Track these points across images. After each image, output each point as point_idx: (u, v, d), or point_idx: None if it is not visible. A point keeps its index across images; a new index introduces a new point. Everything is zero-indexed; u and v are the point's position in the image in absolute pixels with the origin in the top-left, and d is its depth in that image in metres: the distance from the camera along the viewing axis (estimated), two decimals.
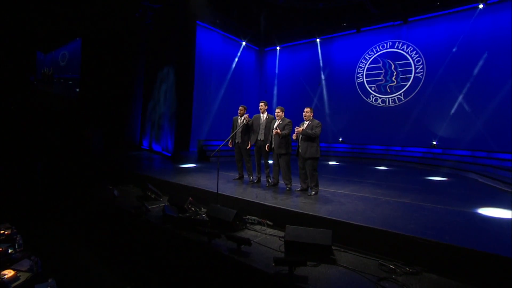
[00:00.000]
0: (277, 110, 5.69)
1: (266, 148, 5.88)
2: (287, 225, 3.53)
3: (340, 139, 13.10)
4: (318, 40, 13.61)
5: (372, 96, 12.29)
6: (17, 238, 4.10)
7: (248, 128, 6.25)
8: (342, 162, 11.65)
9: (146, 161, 10.05)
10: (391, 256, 3.27)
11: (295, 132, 5.28)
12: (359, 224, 3.60)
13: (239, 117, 6.36)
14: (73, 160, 9.33)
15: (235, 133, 6.21)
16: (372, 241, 3.44)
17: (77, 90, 13.03)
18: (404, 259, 3.19)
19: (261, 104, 6.16)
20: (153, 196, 5.66)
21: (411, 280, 2.88)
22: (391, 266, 3.10)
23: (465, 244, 3.02)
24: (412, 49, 11.30)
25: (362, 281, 2.86)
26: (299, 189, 5.54)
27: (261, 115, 6.13)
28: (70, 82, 13.64)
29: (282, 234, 4.03)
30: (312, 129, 5.20)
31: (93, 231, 5.00)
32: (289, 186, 5.67)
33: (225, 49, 13.08)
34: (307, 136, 5.18)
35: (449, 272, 2.96)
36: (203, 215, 4.52)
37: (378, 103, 12.14)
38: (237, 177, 6.70)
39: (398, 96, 11.61)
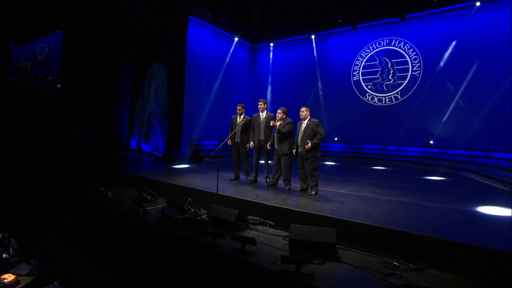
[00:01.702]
0: (278, 111, 5.89)
1: (268, 147, 6.07)
2: (291, 224, 3.72)
3: (336, 139, 13.40)
4: (313, 36, 13.86)
5: (368, 95, 12.61)
6: (12, 242, 4.17)
7: (248, 127, 6.44)
8: (338, 162, 11.93)
9: (135, 161, 10.11)
10: (394, 253, 3.49)
11: (305, 147, 5.44)
12: (362, 222, 3.81)
13: (238, 116, 6.54)
14: (58, 161, 9.30)
15: (235, 132, 6.38)
16: (375, 238, 3.66)
17: (58, 86, 12.89)
18: (407, 255, 3.42)
19: (260, 103, 6.35)
20: (149, 197, 5.77)
21: (415, 276, 3.09)
22: (394, 262, 3.32)
23: (465, 240, 3.26)
24: (409, 46, 11.66)
25: (367, 277, 3.06)
26: (298, 189, 5.74)
27: (261, 114, 6.32)
28: (50, 78, 13.44)
29: (284, 234, 4.23)
30: (315, 134, 5.41)
31: (89, 234, 5.08)
32: (288, 186, 5.87)
33: (217, 45, 13.20)
34: (316, 144, 5.40)
35: (451, 268, 3.19)
36: (204, 216, 4.67)
37: (375, 102, 12.47)
38: (232, 177, 6.86)
39: (395, 94, 11.96)
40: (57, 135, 11.19)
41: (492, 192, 6.33)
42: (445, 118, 10.69)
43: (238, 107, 6.55)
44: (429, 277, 3.08)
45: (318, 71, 13.86)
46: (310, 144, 5.34)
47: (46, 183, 7.75)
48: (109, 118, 12.39)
